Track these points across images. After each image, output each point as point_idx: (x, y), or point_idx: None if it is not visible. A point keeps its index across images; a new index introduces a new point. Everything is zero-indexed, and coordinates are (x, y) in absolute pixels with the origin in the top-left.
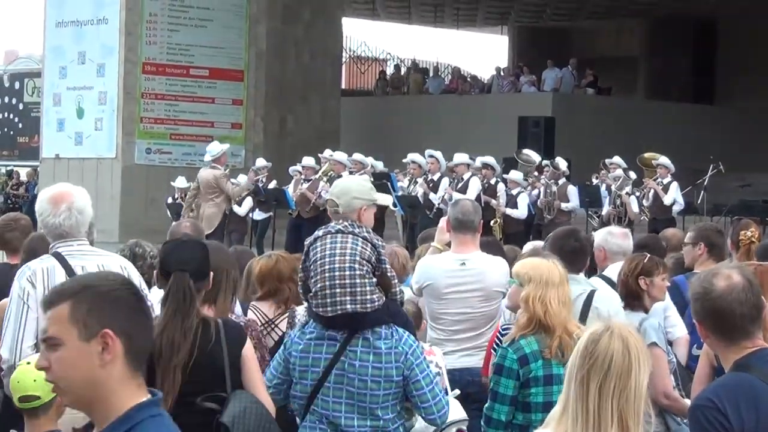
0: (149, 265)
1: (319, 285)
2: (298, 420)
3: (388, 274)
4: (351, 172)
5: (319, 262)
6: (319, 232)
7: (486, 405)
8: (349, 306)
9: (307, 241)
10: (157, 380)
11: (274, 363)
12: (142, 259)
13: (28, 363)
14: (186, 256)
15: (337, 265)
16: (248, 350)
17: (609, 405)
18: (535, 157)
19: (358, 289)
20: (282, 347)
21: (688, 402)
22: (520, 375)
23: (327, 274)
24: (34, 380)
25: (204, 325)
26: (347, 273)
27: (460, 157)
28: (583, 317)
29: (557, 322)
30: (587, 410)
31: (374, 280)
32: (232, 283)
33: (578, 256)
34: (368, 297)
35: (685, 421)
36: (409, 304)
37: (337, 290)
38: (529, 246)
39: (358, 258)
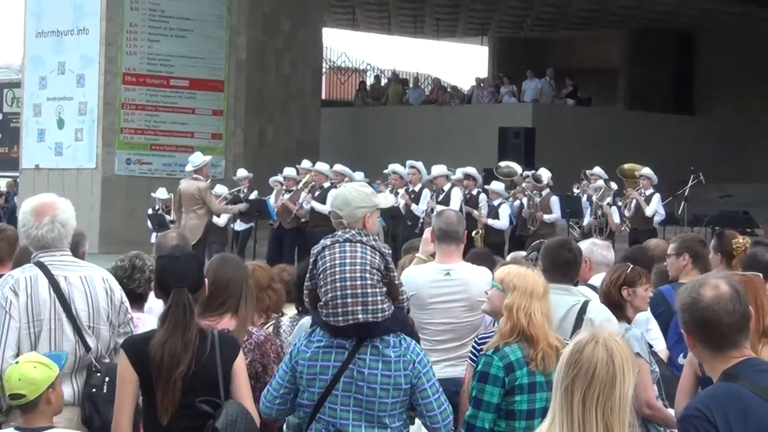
0: (147, 279)
1: (330, 295)
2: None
3: (396, 282)
4: (332, 183)
5: (329, 271)
6: (326, 241)
7: (468, 413)
8: (360, 316)
9: (314, 249)
10: (157, 391)
11: (280, 372)
12: (141, 272)
13: (17, 362)
14: (181, 272)
15: (348, 275)
16: (239, 362)
17: (593, 415)
18: (516, 167)
19: (370, 298)
20: (288, 356)
21: (671, 412)
22: (506, 383)
23: (338, 284)
24: (19, 379)
25: (201, 337)
26: (359, 283)
27: (439, 169)
28: (577, 327)
29: (541, 334)
30: (572, 420)
31: (384, 289)
32: (251, 292)
33: (571, 267)
34: (379, 306)
35: (668, 431)
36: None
37: (349, 300)
38: (510, 257)
39: (368, 267)
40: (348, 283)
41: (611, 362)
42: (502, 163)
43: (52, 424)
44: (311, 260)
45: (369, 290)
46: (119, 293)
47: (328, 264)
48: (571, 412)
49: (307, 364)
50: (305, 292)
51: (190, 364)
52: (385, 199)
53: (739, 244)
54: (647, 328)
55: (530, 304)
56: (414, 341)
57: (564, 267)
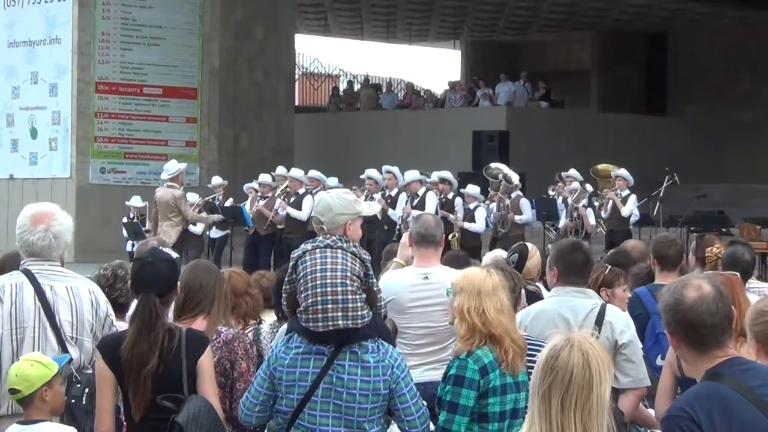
0: (129, 288)
1: (310, 300)
2: None
3: (374, 288)
4: (307, 189)
5: (309, 277)
6: (307, 246)
7: (443, 417)
8: (341, 322)
9: (294, 254)
10: (129, 389)
11: (258, 379)
12: (123, 282)
13: (19, 360)
14: (150, 276)
15: (328, 281)
16: (205, 359)
17: (572, 419)
18: (504, 169)
19: (350, 305)
20: (266, 363)
21: (651, 412)
22: (481, 385)
23: (318, 290)
24: (16, 375)
25: (169, 335)
26: (339, 289)
27: (412, 174)
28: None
29: (501, 330)
30: (550, 425)
31: (363, 295)
32: (224, 295)
33: (586, 269)
34: (359, 313)
35: (649, 431)
36: (387, 321)
37: (329, 306)
38: (489, 256)
39: (348, 274)
40: (329, 289)
41: (587, 366)
42: (493, 165)
43: (49, 419)
44: (291, 264)
45: (349, 296)
46: (105, 306)
47: (308, 269)
48: (550, 417)
49: (286, 371)
50: (283, 296)
51: (158, 362)
52: (369, 207)
53: (711, 253)
54: None
55: (480, 302)
56: (391, 347)
57: (579, 270)
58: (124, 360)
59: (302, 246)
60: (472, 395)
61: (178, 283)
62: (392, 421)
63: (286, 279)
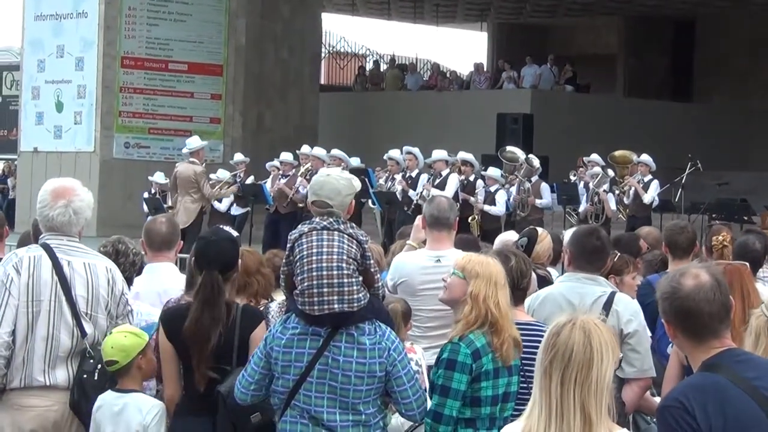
0: (131, 263)
1: (306, 284)
2: (276, 416)
3: (371, 270)
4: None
5: (306, 260)
6: (303, 228)
7: (434, 401)
8: (336, 306)
9: (291, 235)
10: (193, 360)
11: (255, 359)
12: (125, 256)
13: (111, 333)
14: (213, 254)
15: (324, 264)
16: (258, 333)
17: (571, 396)
18: (519, 153)
19: (346, 288)
20: (263, 342)
21: (657, 401)
22: (473, 369)
23: (315, 273)
24: (112, 347)
25: (227, 310)
26: (335, 272)
27: (439, 154)
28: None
29: (506, 323)
30: (550, 401)
31: (360, 278)
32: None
33: (599, 256)
34: (355, 296)
35: (654, 420)
36: (399, 302)
37: (325, 289)
38: (500, 239)
39: (345, 257)
40: (324, 272)
41: (588, 344)
42: (509, 148)
43: (141, 389)
44: (288, 246)
45: (345, 280)
46: (121, 285)
47: (305, 252)
48: (549, 393)
49: (282, 351)
50: (281, 277)
51: (219, 337)
52: (357, 182)
53: (717, 242)
54: None
55: (496, 293)
56: (389, 329)
57: (591, 255)
58: (187, 334)
59: (299, 227)
60: (464, 379)
61: (239, 262)
62: (394, 410)
63: (284, 260)
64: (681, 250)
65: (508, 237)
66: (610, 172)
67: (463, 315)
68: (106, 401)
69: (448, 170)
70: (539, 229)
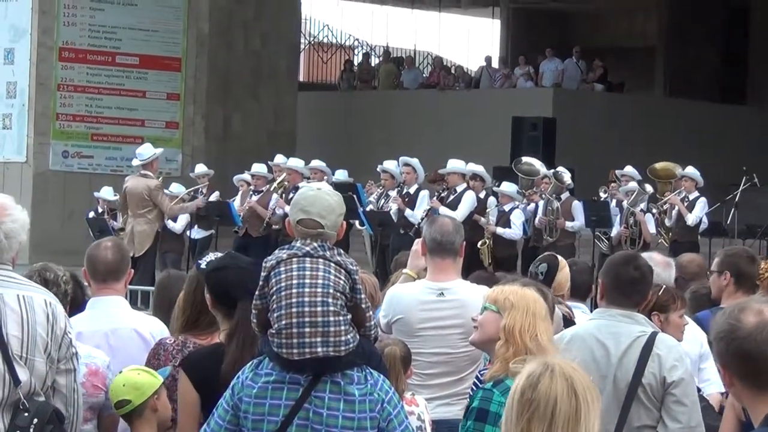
0: (63, 293)
1: (283, 322)
2: None
3: (363, 306)
4: (309, 183)
5: (284, 293)
6: (282, 253)
7: None
8: (319, 349)
9: (267, 262)
10: None
11: (220, 410)
12: (56, 286)
13: (120, 372)
14: (249, 283)
15: (306, 299)
16: None
17: None
18: (538, 166)
19: (331, 328)
20: (229, 391)
21: None
22: None
23: (294, 309)
24: (124, 385)
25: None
26: (319, 309)
27: (455, 164)
28: (642, 365)
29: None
30: None
31: (348, 316)
32: None
33: (636, 288)
34: (342, 338)
35: None
36: (397, 344)
37: (306, 329)
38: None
39: (331, 290)
40: (306, 308)
41: (573, 393)
42: (525, 159)
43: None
44: (263, 275)
45: (331, 318)
46: (64, 322)
47: (283, 284)
48: None
49: (253, 402)
50: (253, 312)
51: None
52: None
53: (764, 270)
54: (699, 366)
55: (535, 324)
56: (382, 377)
57: (627, 287)
58: (227, 379)
59: (276, 253)
60: None
61: (192, 291)
62: None
63: (257, 293)
64: (749, 281)
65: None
66: (649, 188)
67: (497, 354)
68: None
69: (464, 186)
70: (558, 256)
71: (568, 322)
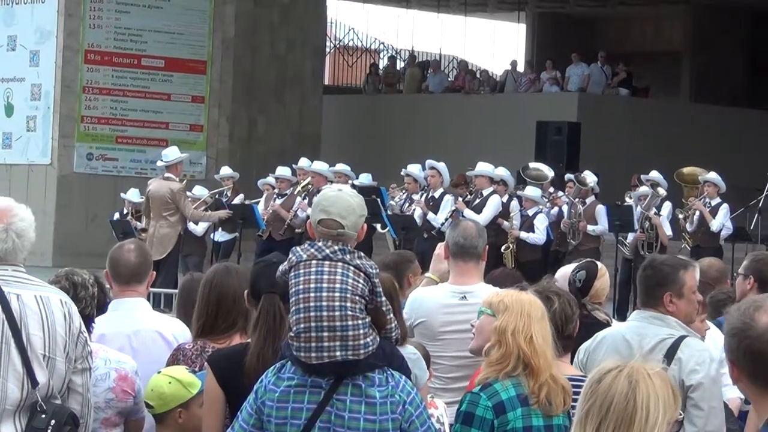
0: (92, 295)
1: (302, 326)
2: None
3: (383, 308)
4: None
5: (302, 296)
6: (301, 254)
7: None
8: (338, 353)
9: (284, 265)
10: None
11: (244, 414)
12: (84, 288)
13: (160, 371)
14: (273, 276)
15: (325, 303)
16: None
17: None
18: (546, 171)
19: (350, 332)
20: (253, 395)
21: None
22: (495, 426)
23: (313, 313)
24: (151, 390)
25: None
26: (337, 313)
27: (483, 167)
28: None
29: (544, 363)
30: None
31: (368, 319)
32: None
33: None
34: (361, 342)
35: None
36: (417, 347)
37: (325, 334)
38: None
39: (350, 294)
40: (324, 313)
41: (632, 396)
42: (532, 165)
43: None
44: (280, 269)
45: (350, 322)
46: (78, 321)
47: (301, 287)
48: None
49: (276, 406)
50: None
51: None
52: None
53: None
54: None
55: (528, 326)
56: (404, 378)
57: (655, 291)
58: (250, 373)
59: (297, 251)
60: None
61: (206, 296)
62: None
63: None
64: None
65: (567, 271)
66: (661, 191)
67: (488, 357)
68: None
69: (491, 189)
70: (598, 263)
71: (605, 327)
